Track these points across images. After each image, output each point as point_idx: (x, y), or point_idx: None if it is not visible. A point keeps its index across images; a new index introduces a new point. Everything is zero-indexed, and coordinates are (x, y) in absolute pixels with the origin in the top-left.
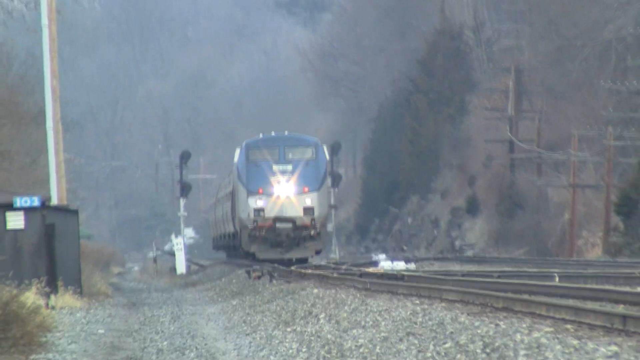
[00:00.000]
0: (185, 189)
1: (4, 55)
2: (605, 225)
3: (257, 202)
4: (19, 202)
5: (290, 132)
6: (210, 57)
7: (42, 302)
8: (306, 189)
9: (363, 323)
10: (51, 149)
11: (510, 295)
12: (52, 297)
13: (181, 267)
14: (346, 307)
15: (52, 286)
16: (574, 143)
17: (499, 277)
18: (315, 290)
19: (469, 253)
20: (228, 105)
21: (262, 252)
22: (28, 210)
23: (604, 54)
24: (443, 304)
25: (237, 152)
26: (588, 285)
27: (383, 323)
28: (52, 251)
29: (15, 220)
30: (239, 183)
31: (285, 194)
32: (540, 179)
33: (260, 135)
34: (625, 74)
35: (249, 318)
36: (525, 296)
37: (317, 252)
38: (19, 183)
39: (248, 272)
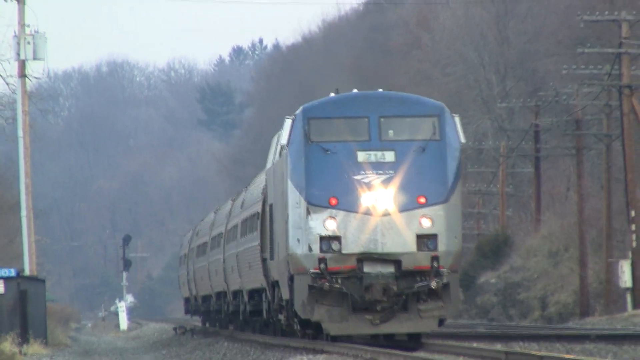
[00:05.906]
0: (127, 264)
1: None
2: None
3: (326, 224)
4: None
5: None
6: (147, 162)
7: (17, 350)
8: (422, 199)
9: None
10: (25, 232)
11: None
12: (25, 346)
13: (124, 324)
14: (249, 357)
15: (24, 338)
16: None
17: None
18: (226, 344)
19: None
20: (161, 199)
21: (334, 324)
22: (6, 279)
23: None
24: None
25: (287, 126)
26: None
27: None
28: (25, 311)
29: None
30: (290, 186)
31: (383, 209)
32: None
33: (331, 95)
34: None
35: None
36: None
37: (441, 322)
38: None
39: (175, 329)
